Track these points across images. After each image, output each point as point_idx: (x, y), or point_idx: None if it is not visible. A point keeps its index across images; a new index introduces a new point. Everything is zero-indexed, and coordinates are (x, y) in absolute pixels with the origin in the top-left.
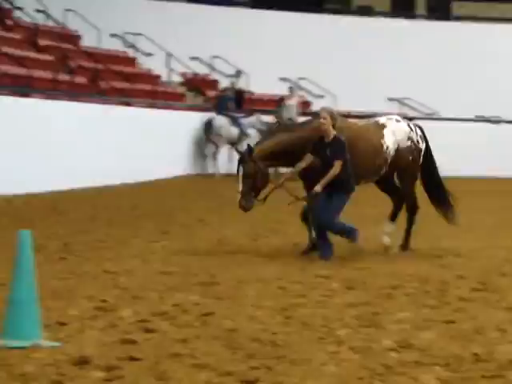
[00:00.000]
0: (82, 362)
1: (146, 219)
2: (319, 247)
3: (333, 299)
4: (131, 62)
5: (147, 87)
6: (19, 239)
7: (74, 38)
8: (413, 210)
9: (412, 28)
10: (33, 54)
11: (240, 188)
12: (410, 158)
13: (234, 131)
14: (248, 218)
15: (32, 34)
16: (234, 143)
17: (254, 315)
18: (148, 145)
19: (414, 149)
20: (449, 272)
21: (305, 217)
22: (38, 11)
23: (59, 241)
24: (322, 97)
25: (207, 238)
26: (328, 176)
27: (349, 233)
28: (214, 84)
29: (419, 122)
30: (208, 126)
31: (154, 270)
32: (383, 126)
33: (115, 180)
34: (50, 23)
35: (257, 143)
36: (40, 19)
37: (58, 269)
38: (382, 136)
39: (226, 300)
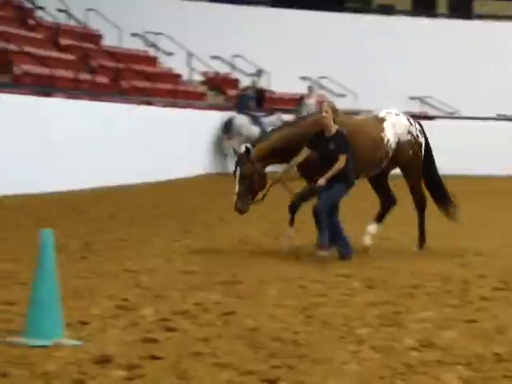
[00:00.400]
0: (104, 360)
1: (166, 218)
2: (338, 247)
3: (354, 298)
4: (152, 61)
5: (168, 86)
6: (41, 239)
7: (95, 38)
8: (422, 206)
9: (433, 27)
10: (54, 54)
11: (236, 189)
12: (411, 152)
13: (255, 130)
14: (269, 217)
15: (54, 34)
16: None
17: (275, 314)
18: (169, 144)
19: (414, 143)
20: (470, 271)
21: (292, 209)
22: (60, 11)
23: (80, 240)
24: (343, 95)
25: (228, 237)
26: (333, 169)
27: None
28: (234, 83)
29: (440, 121)
30: (228, 125)
31: (176, 268)
32: (383, 120)
33: (136, 179)
34: (72, 23)
35: (256, 142)
36: (62, 19)
37: (79, 268)
38: (383, 129)
39: (247, 299)
